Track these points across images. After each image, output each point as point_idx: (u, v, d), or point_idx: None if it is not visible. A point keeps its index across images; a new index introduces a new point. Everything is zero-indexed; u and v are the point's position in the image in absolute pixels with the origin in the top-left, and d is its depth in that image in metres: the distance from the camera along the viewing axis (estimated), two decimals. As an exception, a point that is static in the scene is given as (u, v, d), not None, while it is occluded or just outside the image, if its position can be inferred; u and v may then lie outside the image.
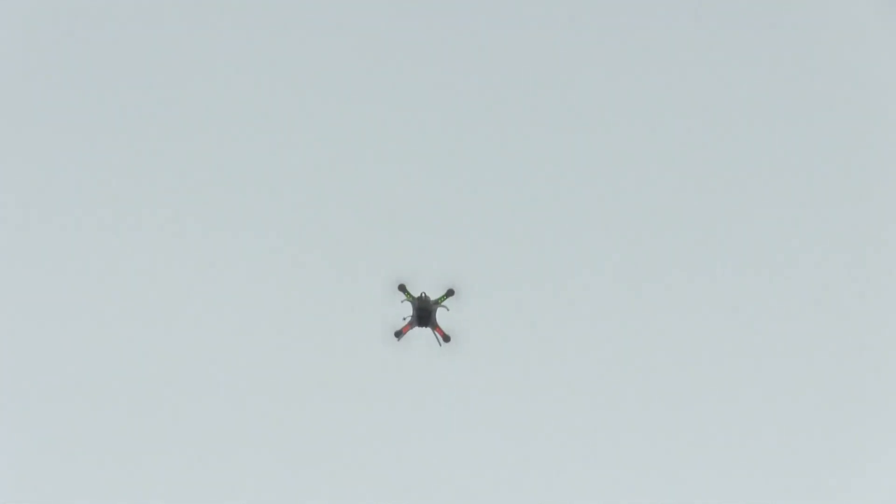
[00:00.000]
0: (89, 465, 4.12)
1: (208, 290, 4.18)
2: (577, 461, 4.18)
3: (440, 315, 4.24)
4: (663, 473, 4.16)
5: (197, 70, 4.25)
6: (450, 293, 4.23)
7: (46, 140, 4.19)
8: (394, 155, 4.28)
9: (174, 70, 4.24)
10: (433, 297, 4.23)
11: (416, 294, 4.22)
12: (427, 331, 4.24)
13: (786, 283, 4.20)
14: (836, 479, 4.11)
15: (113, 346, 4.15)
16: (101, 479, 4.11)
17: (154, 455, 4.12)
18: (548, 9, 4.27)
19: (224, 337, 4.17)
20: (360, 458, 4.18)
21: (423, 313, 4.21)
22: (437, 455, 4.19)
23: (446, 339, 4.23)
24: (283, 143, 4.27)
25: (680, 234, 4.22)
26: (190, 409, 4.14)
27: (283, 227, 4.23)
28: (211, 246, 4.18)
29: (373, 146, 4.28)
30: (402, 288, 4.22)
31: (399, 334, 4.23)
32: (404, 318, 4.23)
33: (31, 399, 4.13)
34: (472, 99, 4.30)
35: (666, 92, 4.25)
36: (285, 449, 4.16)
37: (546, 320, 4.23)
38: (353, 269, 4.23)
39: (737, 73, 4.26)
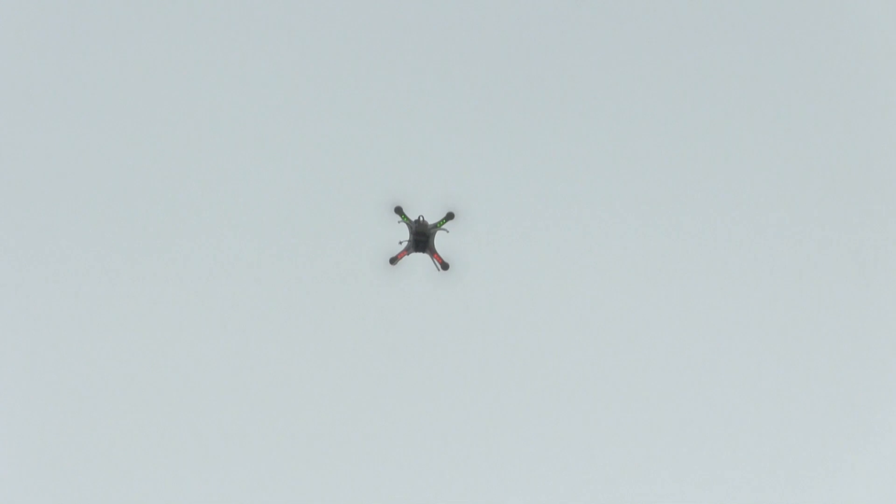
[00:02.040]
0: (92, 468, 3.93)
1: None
2: (586, 403, 3.89)
3: (439, 239, 3.96)
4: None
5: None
6: (449, 216, 3.95)
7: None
8: (395, 70, 4.00)
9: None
10: (431, 220, 3.95)
11: (413, 217, 3.94)
12: (425, 257, 3.96)
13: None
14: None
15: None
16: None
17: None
18: None
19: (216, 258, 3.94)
20: (351, 394, 3.92)
21: (421, 238, 3.93)
22: (434, 391, 3.92)
23: (445, 266, 3.95)
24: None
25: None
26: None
27: (273, 142, 3.97)
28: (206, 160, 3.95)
29: (373, 61, 4.00)
30: (398, 211, 3.94)
31: (394, 260, 3.95)
32: (400, 243, 3.95)
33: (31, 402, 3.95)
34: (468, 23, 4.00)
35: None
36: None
37: (553, 244, 3.93)
38: (347, 189, 3.96)
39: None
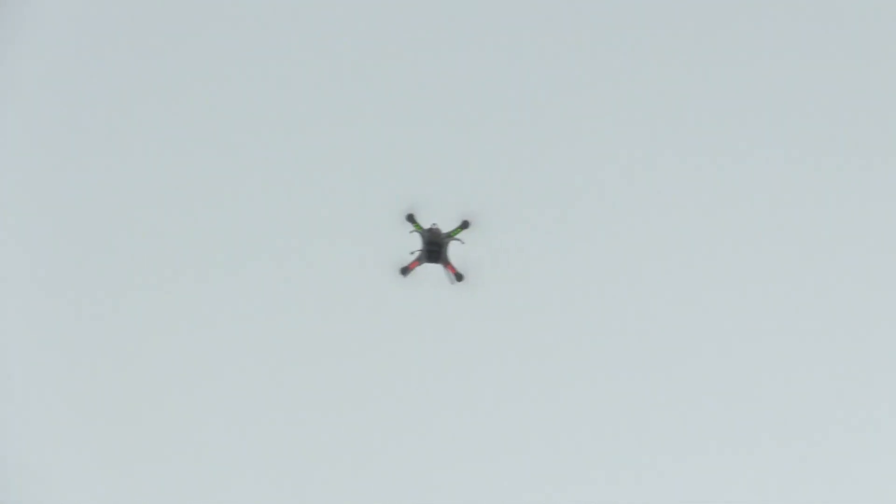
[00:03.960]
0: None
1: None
2: (602, 420, 3.64)
3: (453, 249, 3.72)
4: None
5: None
6: (464, 225, 3.71)
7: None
8: (408, 73, 3.79)
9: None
10: (445, 229, 3.72)
11: (425, 225, 3.71)
12: (438, 267, 3.73)
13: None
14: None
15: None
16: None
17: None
18: None
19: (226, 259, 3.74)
20: (359, 404, 3.70)
21: (434, 248, 3.69)
22: (445, 407, 3.68)
23: (459, 277, 3.71)
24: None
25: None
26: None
27: (284, 147, 3.77)
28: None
29: (383, 67, 3.79)
30: (410, 218, 3.71)
31: (406, 271, 3.72)
32: (412, 253, 3.72)
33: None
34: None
35: None
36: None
37: (570, 252, 3.68)
38: (357, 195, 3.74)
39: None
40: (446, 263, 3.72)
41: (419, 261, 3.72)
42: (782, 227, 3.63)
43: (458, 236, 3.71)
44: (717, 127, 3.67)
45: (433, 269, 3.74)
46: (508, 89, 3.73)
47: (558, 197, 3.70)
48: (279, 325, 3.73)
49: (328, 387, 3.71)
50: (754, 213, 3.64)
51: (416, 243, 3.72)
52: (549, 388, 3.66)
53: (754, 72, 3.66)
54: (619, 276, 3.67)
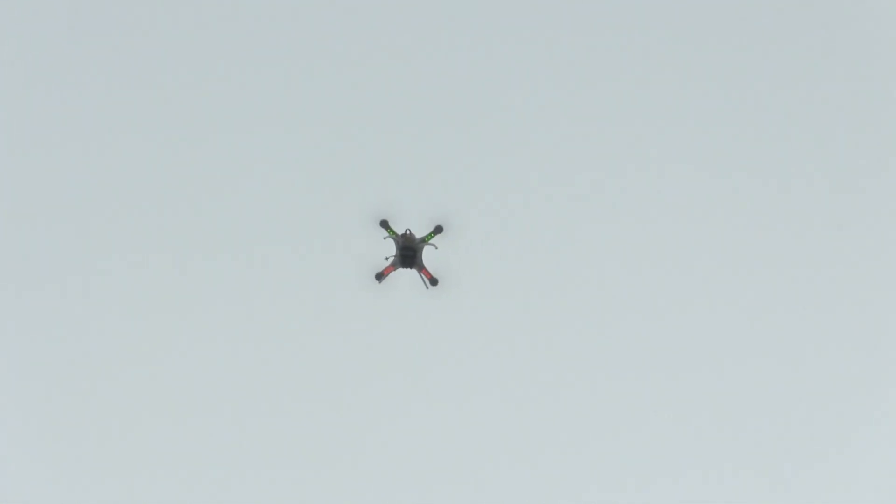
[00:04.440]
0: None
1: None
2: (585, 430, 3.75)
3: (427, 255, 3.76)
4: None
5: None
6: (438, 230, 3.75)
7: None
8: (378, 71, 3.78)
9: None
10: (419, 234, 3.76)
11: (399, 231, 3.75)
12: (412, 272, 3.77)
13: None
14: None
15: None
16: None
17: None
18: None
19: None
20: (333, 416, 3.76)
21: (408, 253, 3.73)
22: (421, 416, 3.75)
23: (434, 282, 3.76)
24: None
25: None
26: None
27: (251, 149, 3.76)
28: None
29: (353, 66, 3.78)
30: (383, 224, 3.74)
31: (380, 276, 3.76)
32: (386, 259, 3.76)
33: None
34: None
35: None
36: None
37: (548, 259, 3.75)
38: (329, 201, 3.75)
39: None
40: (421, 268, 3.76)
41: (394, 266, 3.76)
42: (784, 229, 3.70)
43: (431, 241, 3.75)
44: (713, 129, 3.74)
45: (408, 275, 3.78)
46: (477, 88, 3.75)
47: (528, 200, 3.75)
48: (248, 334, 3.76)
49: (302, 393, 3.75)
50: (755, 214, 3.71)
51: (391, 249, 3.76)
52: (523, 393, 3.75)
53: (755, 73, 3.72)
54: (593, 280, 3.75)
